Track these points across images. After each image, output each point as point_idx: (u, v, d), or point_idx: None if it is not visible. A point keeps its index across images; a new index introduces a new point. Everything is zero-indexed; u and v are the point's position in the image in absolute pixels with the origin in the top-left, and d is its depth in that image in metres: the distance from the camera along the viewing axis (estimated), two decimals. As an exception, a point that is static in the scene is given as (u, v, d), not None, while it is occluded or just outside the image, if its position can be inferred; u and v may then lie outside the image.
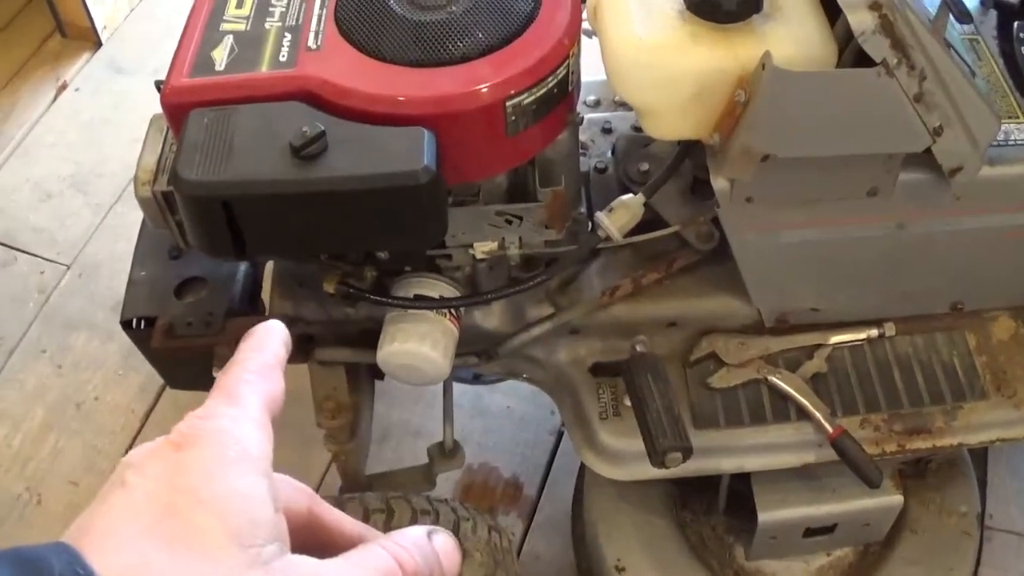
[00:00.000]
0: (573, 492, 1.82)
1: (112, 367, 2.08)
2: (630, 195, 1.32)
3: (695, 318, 1.46)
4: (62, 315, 2.20)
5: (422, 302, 1.30)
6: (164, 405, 2.04)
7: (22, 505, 1.93)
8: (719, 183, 1.24)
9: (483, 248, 1.32)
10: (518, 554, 1.87)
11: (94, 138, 2.50)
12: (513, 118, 1.15)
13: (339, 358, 1.45)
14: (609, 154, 1.56)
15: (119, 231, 2.23)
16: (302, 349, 1.44)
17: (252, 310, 1.54)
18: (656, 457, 1.23)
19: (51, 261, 2.29)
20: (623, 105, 1.63)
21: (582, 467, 1.73)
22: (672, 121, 1.20)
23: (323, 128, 1.08)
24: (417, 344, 1.30)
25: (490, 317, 1.45)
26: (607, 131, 1.60)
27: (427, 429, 2.01)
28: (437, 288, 1.35)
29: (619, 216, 1.30)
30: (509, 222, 1.29)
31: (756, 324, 1.46)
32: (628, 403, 1.40)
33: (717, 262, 1.43)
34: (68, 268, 2.28)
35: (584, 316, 1.43)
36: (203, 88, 1.13)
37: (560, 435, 2.02)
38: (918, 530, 1.66)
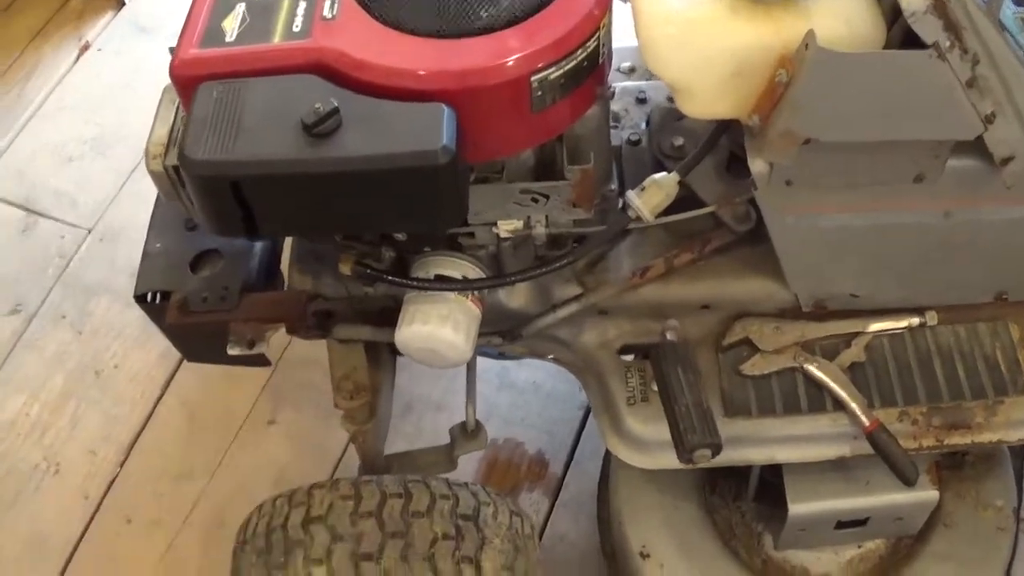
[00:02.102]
0: (600, 471, 1.77)
1: (132, 333, 2.05)
2: (663, 174, 1.26)
3: (729, 301, 1.39)
4: (83, 280, 2.17)
5: (443, 284, 1.24)
6: (184, 374, 2.02)
7: (40, 475, 1.91)
8: (757, 165, 1.17)
9: (507, 227, 1.26)
10: (541, 534, 1.83)
11: (117, 100, 2.45)
12: (539, 93, 1.09)
13: (359, 336, 1.40)
14: (643, 125, 1.49)
15: (141, 196, 2.17)
16: (321, 325, 1.39)
17: (270, 284, 1.50)
18: (684, 454, 1.18)
19: (72, 225, 2.26)
20: (658, 74, 1.56)
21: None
22: (708, 100, 1.14)
23: (336, 104, 1.02)
24: (437, 326, 1.25)
25: (515, 296, 1.40)
26: (641, 101, 1.53)
27: (450, 403, 1.97)
28: (459, 268, 1.29)
29: (651, 196, 1.24)
30: (535, 200, 1.23)
31: (792, 309, 1.39)
32: (656, 388, 1.35)
33: (753, 243, 1.36)
34: (89, 232, 2.25)
35: (613, 297, 1.37)
36: (213, 60, 1.07)
37: (588, 411, 1.97)
38: (952, 524, 1.59)
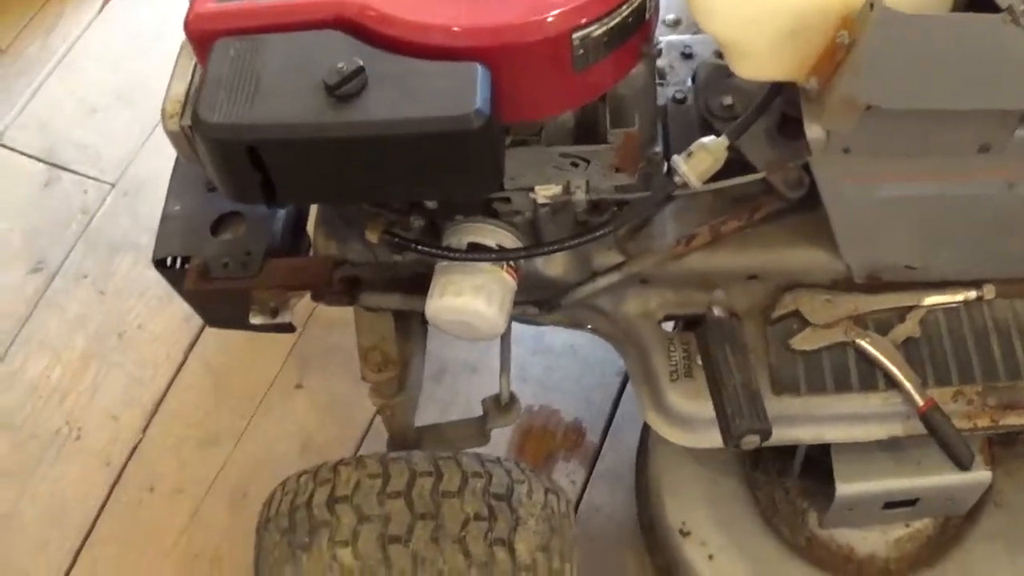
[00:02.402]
0: (639, 441, 1.70)
1: (156, 293, 1.99)
2: (711, 137, 1.18)
3: (779, 271, 1.32)
4: (106, 237, 2.11)
5: (477, 253, 1.17)
6: (209, 336, 1.96)
7: (61, 440, 1.87)
8: (814, 131, 1.09)
9: (546, 192, 1.19)
10: (577, 505, 1.77)
11: (142, 50, 2.38)
12: (581, 51, 1.01)
13: (387, 304, 1.34)
14: (689, 82, 1.40)
15: (167, 149, 2.09)
16: (348, 293, 1.33)
17: (295, 248, 1.43)
18: (731, 438, 1.11)
19: (95, 180, 2.20)
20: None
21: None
22: (763, 61, 1.05)
23: (361, 63, 0.95)
24: (471, 298, 1.18)
25: (552, 265, 1.33)
26: (687, 56, 1.43)
27: (485, 365, 1.91)
28: (494, 235, 1.22)
29: (699, 161, 1.16)
30: (575, 165, 1.16)
31: (845, 280, 1.32)
32: (701, 362, 1.28)
33: (804, 210, 1.27)
34: (113, 187, 2.18)
35: (656, 266, 1.30)
36: (230, 15, 1.00)
37: (626, 378, 1.89)
38: (1003, 503, 1.52)
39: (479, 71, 0.96)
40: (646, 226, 1.32)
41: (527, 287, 1.30)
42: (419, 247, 1.17)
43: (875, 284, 1.31)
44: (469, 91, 0.95)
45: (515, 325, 1.45)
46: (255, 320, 1.29)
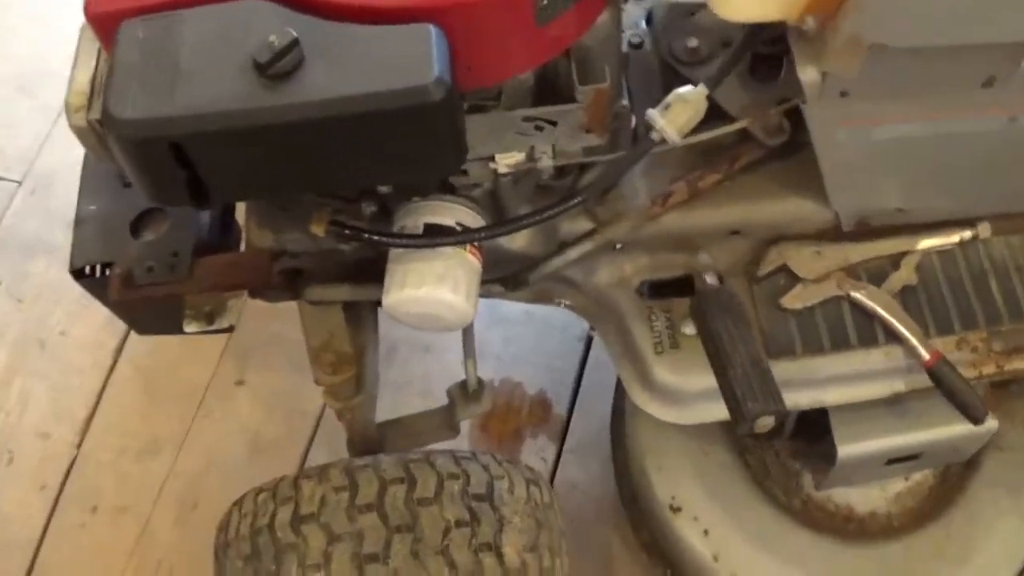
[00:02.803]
0: (612, 411, 1.60)
1: (76, 296, 1.79)
2: (688, 87, 1.06)
3: (762, 224, 1.22)
4: (17, 239, 1.93)
5: (437, 238, 1.05)
6: (137, 337, 1.80)
7: (-9, 467, 1.71)
8: (808, 74, 0.99)
9: (507, 161, 1.06)
10: (551, 482, 1.66)
11: (40, 32, 2.17)
12: (544, 2, 0.89)
13: (335, 297, 1.21)
14: (643, 24, 1.28)
15: (74, 137, 1.93)
16: (290, 286, 1.20)
17: (226, 241, 1.29)
18: (744, 422, 1.00)
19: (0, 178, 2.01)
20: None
21: (620, 381, 1.50)
22: None
23: (295, 35, 0.82)
24: (434, 287, 1.05)
25: (517, 238, 1.21)
26: (639, -6, 1.31)
27: (438, 344, 1.79)
28: (452, 212, 1.10)
29: (678, 114, 1.04)
30: (540, 128, 1.03)
31: (832, 229, 1.22)
32: (688, 331, 1.18)
33: (785, 157, 1.18)
34: (19, 184, 2.00)
35: (631, 231, 1.19)
36: (134, -10, 0.86)
37: (590, 341, 1.79)
38: (1004, 447, 1.45)
39: (433, 33, 0.84)
40: (615, 188, 1.20)
41: (490, 264, 1.18)
42: (373, 236, 1.04)
43: (865, 231, 1.22)
44: (424, 57, 0.82)
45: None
46: (190, 328, 1.17)
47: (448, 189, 1.10)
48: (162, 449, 1.72)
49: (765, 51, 1.13)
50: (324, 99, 0.82)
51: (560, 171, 1.13)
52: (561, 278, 1.26)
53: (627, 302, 1.23)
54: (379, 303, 1.12)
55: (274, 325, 1.76)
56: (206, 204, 0.89)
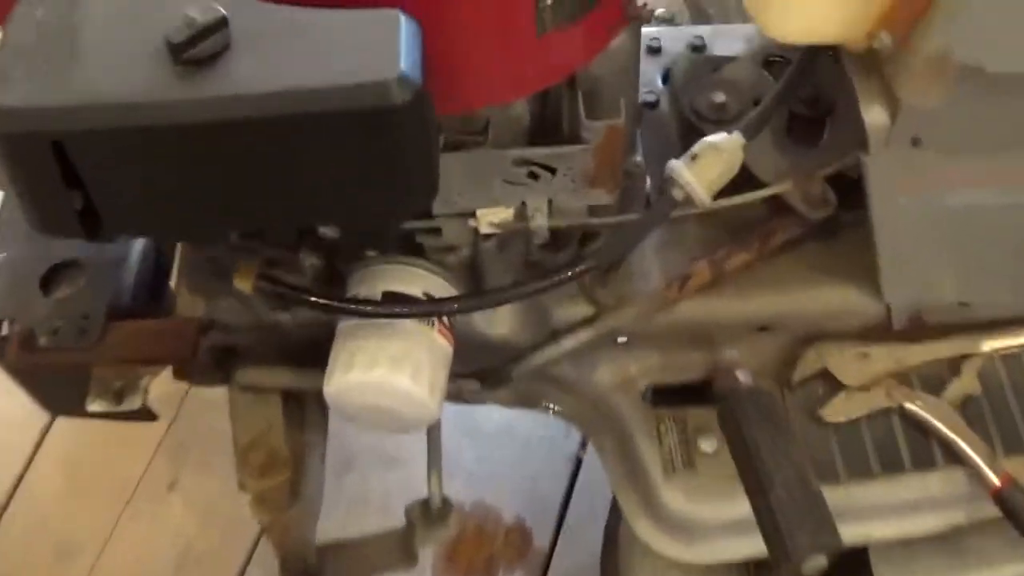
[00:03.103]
0: (603, 540, 1.35)
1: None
2: (722, 135, 0.86)
3: (798, 318, 1.02)
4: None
5: (396, 306, 0.83)
6: (62, 423, 1.58)
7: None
8: (874, 115, 0.80)
9: (492, 218, 0.86)
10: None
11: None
12: (547, 2, 0.69)
13: (273, 382, 1.00)
14: (659, 83, 1.10)
15: None
16: (220, 367, 0.98)
17: (155, 308, 1.08)
18: (787, 562, 0.77)
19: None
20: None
21: (614, 507, 1.27)
22: (810, 11, 0.74)
23: (224, 12, 0.62)
24: (388, 371, 0.84)
25: (498, 322, 1.00)
26: (654, 51, 1.13)
27: (404, 456, 1.55)
28: (419, 280, 0.89)
29: (707, 167, 0.84)
30: (534, 176, 0.84)
31: (881, 327, 1.02)
32: (706, 447, 0.97)
33: (825, 237, 1.00)
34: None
35: (640, 319, 0.97)
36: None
37: (578, 463, 1.56)
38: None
39: (402, 22, 0.63)
40: (620, 266, 1.00)
41: (464, 354, 0.97)
42: (313, 298, 0.82)
43: (919, 329, 1.02)
44: (389, 48, 0.62)
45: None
46: (93, 407, 0.95)
47: (415, 251, 0.90)
48: (81, 551, 1.50)
49: (807, 113, 0.97)
50: (252, 94, 0.61)
51: (556, 240, 0.93)
52: (551, 377, 1.05)
53: (631, 409, 1.02)
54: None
55: (214, 420, 1.52)
56: (98, 233, 0.67)
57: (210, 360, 0.99)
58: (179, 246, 1.04)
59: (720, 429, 0.89)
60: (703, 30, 1.12)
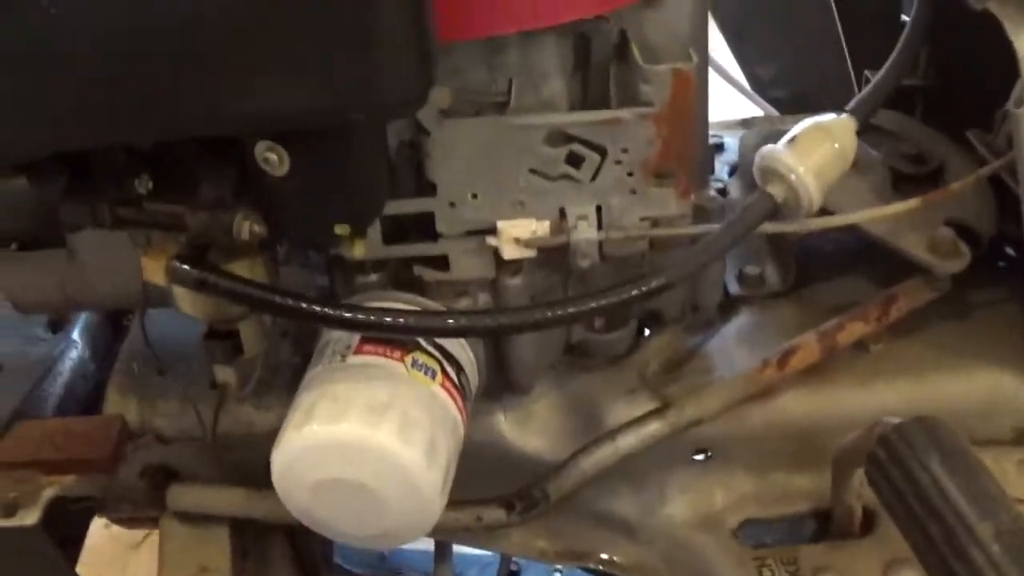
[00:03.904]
0: None
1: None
2: (828, 115, 0.64)
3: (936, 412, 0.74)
4: None
5: (377, 314, 0.58)
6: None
7: None
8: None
9: (518, 232, 0.62)
10: None
11: None
12: None
13: (219, 507, 0.73)
14: (726, 175, 0.91)
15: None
16: (153, 486, 0.72)
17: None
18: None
19: None
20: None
21: None
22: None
23: None
24: (361, 424, 0.57)
25: (533, 427, 0.76)
26: (718, 148, 0.95)
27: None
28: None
29: (811, 148, 0.62)
30: (575, 163, 0.60)
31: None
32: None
33: (958, 304, 0.79)
34: None
35: (724, 410, 0.71)
36: None
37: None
38: None
39: None
40: (692, 359, 0.75)
41: (488, 470, 0.71)
42: (249, 289, 0.56)
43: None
44: None
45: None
46: (-20, 519, 0.68)
47: (412, 287, 0.65)
48: None
49: (909, 171, 0.81)
50: None
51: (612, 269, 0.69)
52: (605, 514, 0.76)
53: (720, 554, 0.74)
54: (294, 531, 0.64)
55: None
56: None
57: (143, 484, 0.73)
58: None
59: (874, 491, 0.60)
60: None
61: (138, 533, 1.31)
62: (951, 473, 0.54)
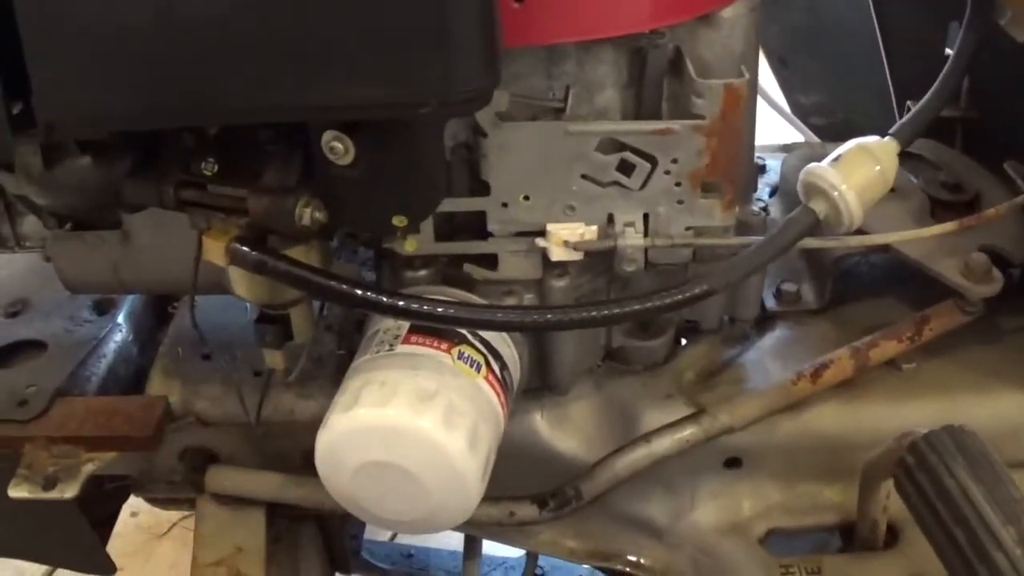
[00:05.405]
0: None
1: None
2: (872, 137, 0.65)
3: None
4: None
5: (429, 304, 0.60)
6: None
7: None
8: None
9: (567, 235, 0.64)
10: None
11: None
12: None
13: (255, 490, 0.75)
14: (767, 196, 0.92)
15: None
16: (193, 468, 0.74)
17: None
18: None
19: None
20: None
21: None
22: None
23: None
24: (409, 410, 0.59)
25: (570, 428, 0.77)
26: (760, 169, 0.95)
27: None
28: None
29: (855, 169, 0.64)
30: (626, 170, 0.62)
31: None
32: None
33: (989, 328, 0.79)
34: None
35: (753, 422, 0.72)
36: None
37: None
38: None
39: None
40: (726, 370, 0.77)
41: (523, 469, 0.74)
42: (301, 271, 0.58)
43: None
44: None
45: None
46: (16, 492, 0.71)
47: (459, 285, 0.67)
48: None
49: (947, 198, 0.81)
50: None
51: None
52: (634, 517, 0.78)
53: (747, 560, 0.76)
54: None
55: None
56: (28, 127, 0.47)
57: (182, 465, 0.75)
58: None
59: (901, 496, 0.61)
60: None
61: (163, 523, 1.33)
62: (977, 480, 0.56)
